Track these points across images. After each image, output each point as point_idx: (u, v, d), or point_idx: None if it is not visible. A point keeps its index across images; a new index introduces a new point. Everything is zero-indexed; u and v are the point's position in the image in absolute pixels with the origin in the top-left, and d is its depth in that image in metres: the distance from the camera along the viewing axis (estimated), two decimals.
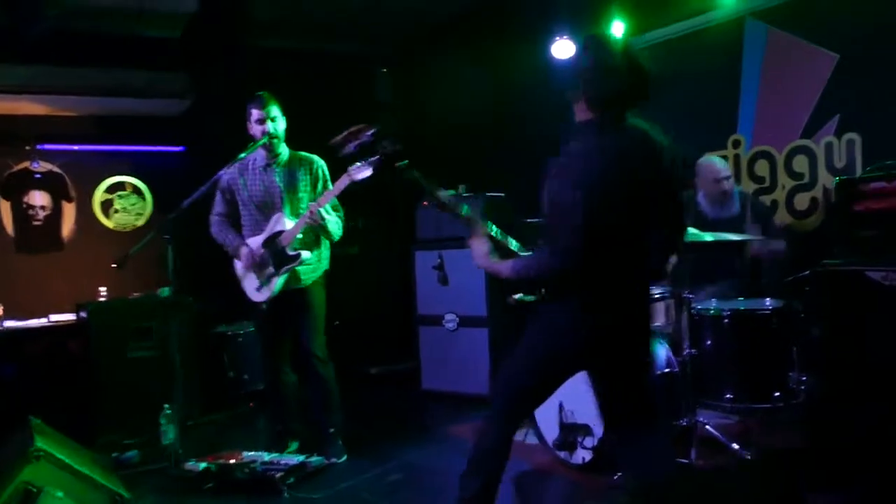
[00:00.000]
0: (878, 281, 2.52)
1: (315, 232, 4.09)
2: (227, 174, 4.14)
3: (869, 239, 2.57)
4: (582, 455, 3.62)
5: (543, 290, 2.61)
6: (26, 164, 6.52)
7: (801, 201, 4.64)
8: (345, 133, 3.84)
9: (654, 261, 2.65)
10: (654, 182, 2.51)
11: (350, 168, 3.85)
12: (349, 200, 4.16)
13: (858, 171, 4.30)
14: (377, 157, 3.80)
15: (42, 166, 6.58)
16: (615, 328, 2.55)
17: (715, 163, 4.48)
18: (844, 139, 4.39)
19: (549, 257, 2.45)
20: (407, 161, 2.84)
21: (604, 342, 2.55)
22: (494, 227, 2.90)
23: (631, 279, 2.55)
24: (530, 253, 2.59)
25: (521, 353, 2.63)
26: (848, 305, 2.69)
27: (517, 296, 3.24)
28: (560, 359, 2.59)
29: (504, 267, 2.61)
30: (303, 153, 4.22)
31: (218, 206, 4.27)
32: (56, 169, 6.65)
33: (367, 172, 3.84)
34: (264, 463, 3.85)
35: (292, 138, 4.20)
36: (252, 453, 4.03)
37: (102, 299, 5.71)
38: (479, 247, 2.70)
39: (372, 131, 3.78)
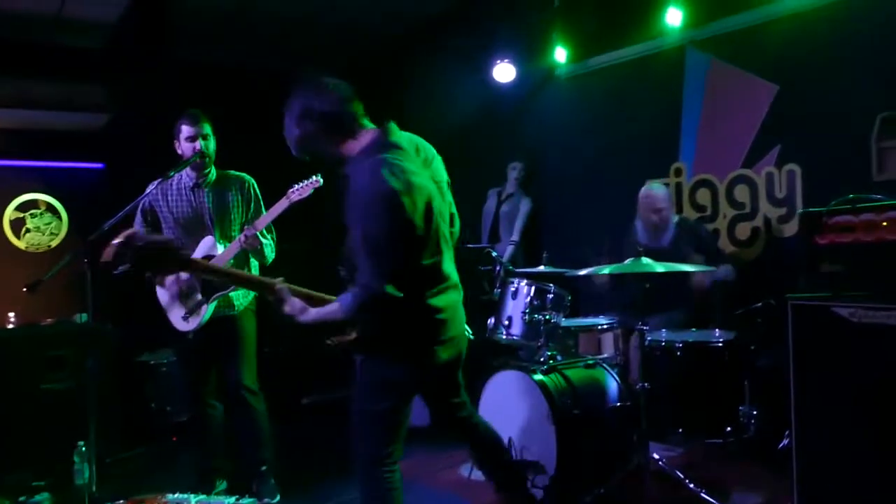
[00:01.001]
0: (846, 317, 2.48)
1: (245, 255, 3.87)
2: (149, 195, 3.86)
3: (834, 274, 2.53)
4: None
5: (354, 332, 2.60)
6: None
7: (743, 230, 4.66)
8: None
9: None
10: (440, 186, 2.64)
11: (289, 190, 3.69)
12: (278, 222, 3.96)
13: (799, 202, 4.35)
14: (318, 176, 3.65)
15: None
16: (451, 353, 2.64)
17: (654, 192, 4.44)
18: (785, 170, 4.43)
19: (364, 290, 2.42)
20: None
21: (437, 363, 2.61)
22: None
23: (455, 298, 2.64)
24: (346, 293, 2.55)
25: (366, 392, 2.65)
26: (812, 341, 2.63)
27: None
28: (401, 386, 2.62)
29: (333, 310, 2.52)
30: (232, 172, 3.99)
31: (137, 227, 3.98)
32: None
33: (307, 193, 3.68)
34: None
35: (221, 158, 3.96)
36: (176, 496, 3.70)
37: (11, 326, 5.30)
38: (293, 307, 2.58)
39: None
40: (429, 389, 2.89)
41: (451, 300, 2.64)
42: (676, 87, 4.94)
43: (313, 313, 2.55)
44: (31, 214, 6.47)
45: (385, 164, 2.43)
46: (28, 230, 6.46)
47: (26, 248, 6.44)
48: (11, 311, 5.37)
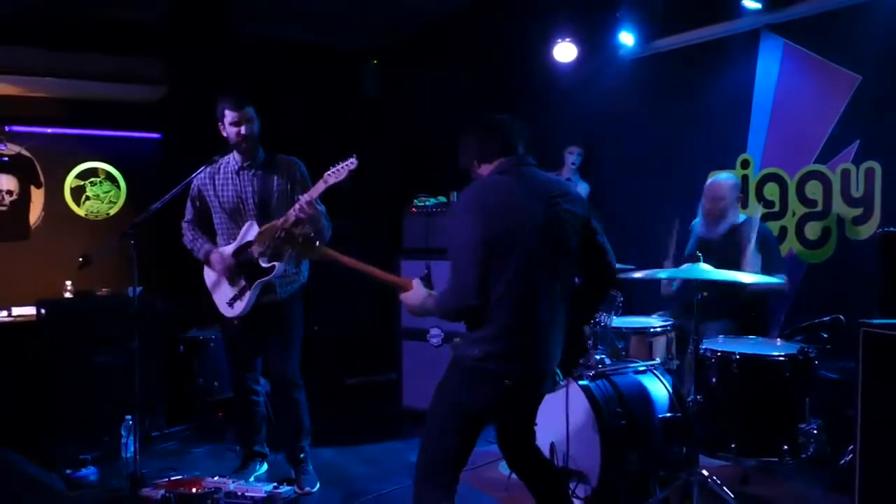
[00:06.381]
0: None
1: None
2: (197, 179, 3.82)
3: None
4: None
5: (456, 340, 2.66)
6: None
7: (813, 230, 4.38)
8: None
9: (578, 313, 2.71)
10: (561, 223, 2.52)
11: (326, 172, 3.56)
12: (332, 204, 3.86)
13: (878, 204, 4.04)
14: (354, 158, 3.53)
15: (10, 149, 6.19)
16: (524, 379, 2.52)
17: (718, 180, 4.16)
18: (863, 167, 4.12)
19: (449, 293, 2.50)
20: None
21: (513, 393, 2.51)
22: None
23: (546, 327, 2.52)
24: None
25: (439, 408, 2.60)
26: (885, 373, 2.41)
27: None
28: (473, 412, 2.55)
29: (432, 304, 2.60)
30: (281, 155, 3.89)
31: (188, 213, 3.96)
32: (25, 152, 6.26)
33: (343, 176, 3.54)
34: (228, 494, 3.55)
35: (270, 131, 3.88)
36: (216, 479, 3.72)
37: (68, 295, 5.39)
38: (416, 295, 2.64)
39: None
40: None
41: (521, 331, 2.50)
42: (748, 73, 4.65)
43: (425, 306, 2.63)
44: (90, 182, 6.55)
45: (474, 185, 2.59)
46: (88, 198, 6.55)
47: (86, 215, 6.53)
48: (70, 279, 5.45)
